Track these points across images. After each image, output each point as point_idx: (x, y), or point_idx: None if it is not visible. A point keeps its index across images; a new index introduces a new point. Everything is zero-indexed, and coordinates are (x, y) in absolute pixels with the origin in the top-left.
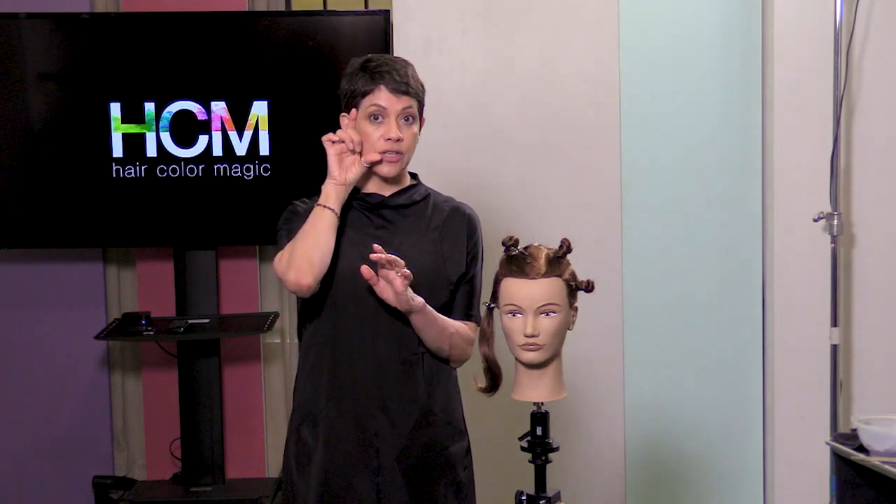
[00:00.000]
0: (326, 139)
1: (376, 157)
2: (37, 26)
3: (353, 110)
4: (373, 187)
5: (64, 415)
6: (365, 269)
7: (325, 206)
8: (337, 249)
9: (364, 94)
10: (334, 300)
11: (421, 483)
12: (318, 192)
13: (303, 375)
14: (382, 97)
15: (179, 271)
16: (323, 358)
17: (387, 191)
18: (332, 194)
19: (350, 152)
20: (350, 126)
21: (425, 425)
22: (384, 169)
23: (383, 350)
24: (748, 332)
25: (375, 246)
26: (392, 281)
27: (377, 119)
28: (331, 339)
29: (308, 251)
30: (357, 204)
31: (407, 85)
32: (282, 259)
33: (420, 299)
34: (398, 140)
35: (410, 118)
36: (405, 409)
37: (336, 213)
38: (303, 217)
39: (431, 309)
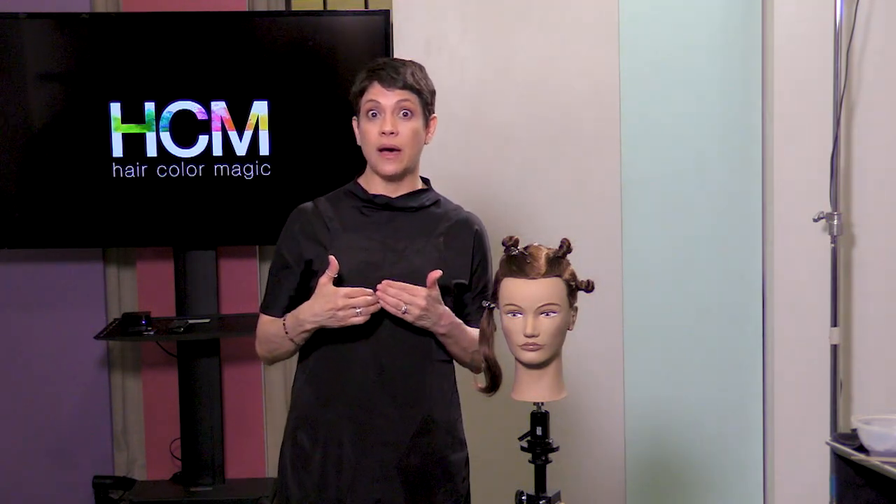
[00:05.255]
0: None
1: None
2: (37, 26)
3: (358, 116)
4: (380, 188)
5: (64, 415)
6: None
7: (288, 336)
8: (339, 253)
9: (361, 93)
10: None
11: (420, 492)
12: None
13: (302, 380)
14: (375, 92)
15: (179, 271)
16: (323, 364)
17: (394, 193)
18: (307, 329)
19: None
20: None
21: (425, 433)
22: (384, 167)
23: (384, 357)
24: (748, 332)
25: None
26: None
27: (375, 116)
28: (332, 346)
29: (265, 354)
30: (362, 206)
31: (402, 79)
32: (259, 324)
33: (446, 315)
34: (392, 133)
35: (409, 113)
36: (406, 416)
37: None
38: (289, 262)
39: (458, 326)
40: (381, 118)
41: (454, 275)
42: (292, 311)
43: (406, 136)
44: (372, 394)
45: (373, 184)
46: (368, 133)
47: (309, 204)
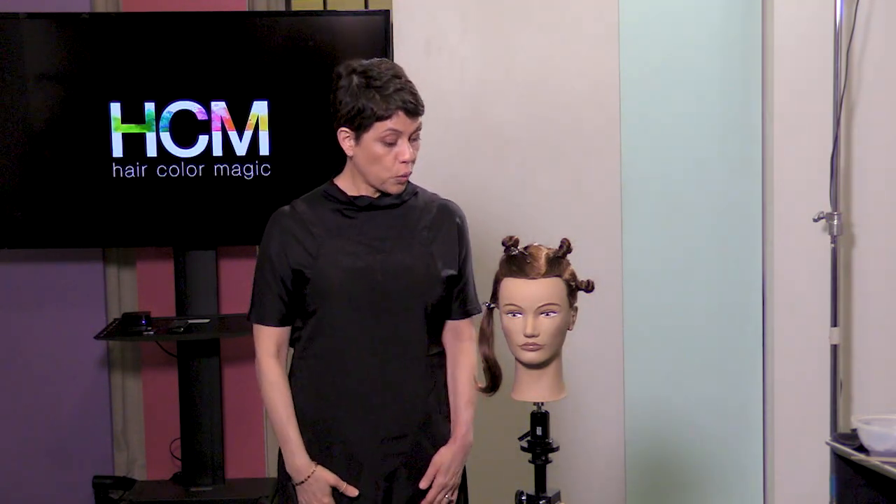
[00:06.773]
0: None
1: None
2: (37, 26)
3: (361, 132)
4: (363, 191)
5: (64, 415)
6: None
7: (275, 430)
8: (328, 258)
9: (379, 118)
10: (330, 309)
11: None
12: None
13: (300, 382)
14: (400, 122)
15: (179, 271)
16: (322, 367)
17: (375, 192)
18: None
19: None
20: (350, 146)
21: (428, 426)
22: (395, 189)
23: (382, 355)
24: (748, 332)
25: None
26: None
27: (392, 144)
28: (329, 349)
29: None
30: (343, 208)
31: (421, 105)
32: (259, 356)
33: (463, 438)
34: (413, 161)
35: (419, 136)
36: (406, 411)
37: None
38: (277, 269)
39: (467, 418)
40: (399, 146)
41: (444, 267)
42: (292, 445)
43: (415, 157)
44: (371, 390)
45: (355, 187)
46: (384, 158)
47: (287, 208)
